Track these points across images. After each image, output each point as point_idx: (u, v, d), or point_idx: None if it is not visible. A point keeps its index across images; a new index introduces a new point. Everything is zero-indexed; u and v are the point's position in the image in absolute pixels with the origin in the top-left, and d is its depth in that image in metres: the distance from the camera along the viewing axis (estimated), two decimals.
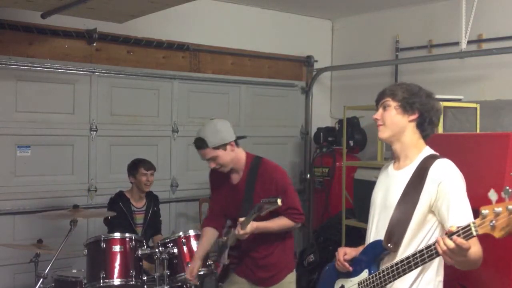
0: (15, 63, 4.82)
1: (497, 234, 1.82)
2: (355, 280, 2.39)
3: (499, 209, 1.80)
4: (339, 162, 5.96)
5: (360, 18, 6.59)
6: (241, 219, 3.10)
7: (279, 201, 2.90)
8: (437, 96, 4.97)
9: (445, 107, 4.73)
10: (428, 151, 2.38)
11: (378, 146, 5.69)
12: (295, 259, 3.52)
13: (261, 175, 3.25)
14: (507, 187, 1.83)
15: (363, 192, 5.00)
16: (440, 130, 4.60)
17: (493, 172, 3.13)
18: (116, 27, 4.98)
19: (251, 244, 3.29)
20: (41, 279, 3.76)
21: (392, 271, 2.21)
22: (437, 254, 2.04)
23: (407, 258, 2.15)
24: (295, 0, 6.04)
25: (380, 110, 2.42)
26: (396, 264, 2.20)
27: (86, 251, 3.84)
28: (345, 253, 2.50)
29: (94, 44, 5.20)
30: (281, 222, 3.24)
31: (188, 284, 3.90)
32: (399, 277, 2.19)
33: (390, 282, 2.23)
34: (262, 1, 6.09)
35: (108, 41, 5.26)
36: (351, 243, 2.77)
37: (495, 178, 3.11)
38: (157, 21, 5.25)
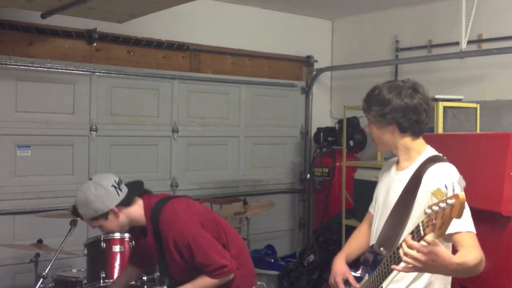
0: (15, 63, 4.82)
1: (437, 233, 1.76)
2: (359, 285, 2.40)
3: (436, 207, 1.74)
4: (339, 162, 5.96)
5: (360, 18, 6.59)
6: None
7: None
8: (437, 96, 4.95)
9: (445, 107, 4.73)
10: (429, 152, 2.31)
11: None
12: None
13: (162, 231, 2.72)
14: (460, 176, 1.71)
15: (363, 192, 5.00)
16: (440, 130, 4.60)
17: (493, 172, 3.13)
18: (116, 27, 4.98)
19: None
20: (41, 279, 3.76)
21: (379, 273, 2.20)
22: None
23: (386, 259, 2.14)
24: (295, 0, 6.04)
25: (368, 123, 2.38)
26: (381, 265, 2.20)
27: (86, 251, 3.85)
28: (344, 276, 2.45)
29: (94, 44, 5.20)
30: (200, 284, 2.73)
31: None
32: (384, 278, 2.18)
33: (380, 283, 2.22)
34: (262, 1, 6.09)
35: (108, 41, 5.26)
36: None
37: (495, 178, 3.12)
38: (157, 21, 5.25)
